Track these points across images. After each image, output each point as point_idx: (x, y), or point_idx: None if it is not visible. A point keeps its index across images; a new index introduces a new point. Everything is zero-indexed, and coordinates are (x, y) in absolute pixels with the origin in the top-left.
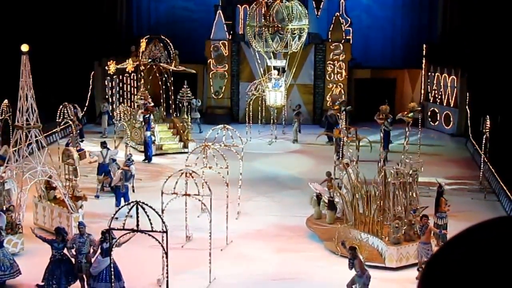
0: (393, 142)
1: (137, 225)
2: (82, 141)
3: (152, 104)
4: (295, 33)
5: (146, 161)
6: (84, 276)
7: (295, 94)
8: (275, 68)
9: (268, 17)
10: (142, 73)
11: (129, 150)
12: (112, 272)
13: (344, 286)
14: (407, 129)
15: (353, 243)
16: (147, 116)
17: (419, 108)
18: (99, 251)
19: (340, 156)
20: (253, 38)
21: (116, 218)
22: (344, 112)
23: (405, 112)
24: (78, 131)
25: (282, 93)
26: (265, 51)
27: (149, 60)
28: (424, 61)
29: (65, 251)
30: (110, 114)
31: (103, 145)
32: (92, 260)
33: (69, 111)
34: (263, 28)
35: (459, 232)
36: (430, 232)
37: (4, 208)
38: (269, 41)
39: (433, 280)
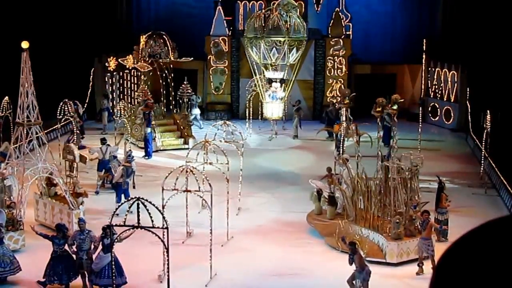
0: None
1: (138, 221)
2: (82, 137)
3: (152, 100)
4: (292, 45)
5: (146, 157)
6: (85, 272)
7: (295, 90)
8: (273, 80)
9: (265, 29)
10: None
11: (129, 147)
12: (113, 268)
13: (345, 281)
14: (393, 122)
15: (353, 239)
16: (147, 112)
17: (402, 100)
18: (100, 247)
19: (341, 151)
20: (251, 49)
21: (117, 215)
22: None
23: (389, 105)
24: (79, 128)
25: (280, 106)
26: (263, 63)
27: (149, 56)
28: (424, 56)
29: (66, 247)
30: (110, 110)
31: (103, 141)
32: (93, 256)
33: (69, 107)
34: (261, 40)
35: (470, 230)
36: (431, 228)
37: (5, 205)
38: (267, 53)
39: (446, 278)
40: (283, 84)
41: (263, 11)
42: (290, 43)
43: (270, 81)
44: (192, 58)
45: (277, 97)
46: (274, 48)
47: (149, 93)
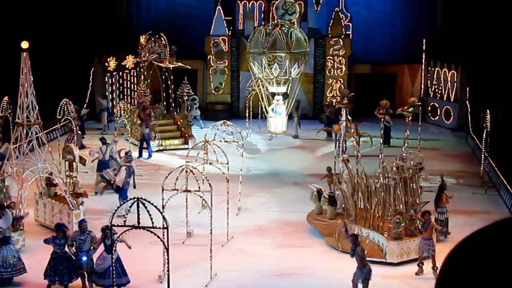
0: (393, 137)
1: (138, 221)
2: (83, 137)
3: (149, 101)
4: (295, 60)
5: (140, 157)
6: (85, 273)
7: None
8: (277, 94)
9: (266, 43)
10: (142, 69)
11: (129, 147)
12: (114, 269)
13: (345, 281)
14: (407, 124)
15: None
16: (147, 113)
17: (419, 103)
18: (102, 247)
19: (341, 151)
20: (253, 64)
21: (124, 215)
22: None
23: (405, 107)
24: (78, 128)
25: (283, 120)
26: (265, 78)
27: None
28: (424, 55)
29: (66, 248)
30: (110, 110)
31: (103, 141)
32: (94, 257)
33: (69, 108)
34: (262, 56)
35: (477, 230)
36: (432, 228)
37: (5, 205)
38: (268, 68)
39: (452, 277)
40: (286, 99)
41: (263, 27)
42: (292, 58)
43: (273, 95)
44: (190, 67)
45: (280, 112)
46: (275, 64)
47: (144, 93)
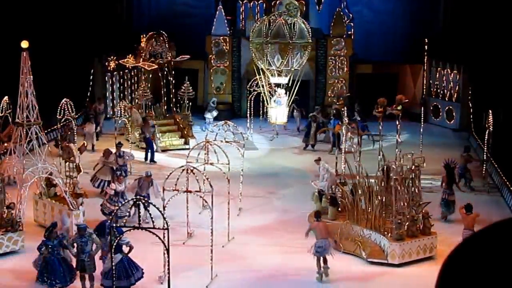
0: (386, 135)
1: (139, 222)
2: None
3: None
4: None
5: (147, 161)
6: (85, 275)
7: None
8: (277, 85)
9: (269, 34)
10: (142, 68)
11: (130, 148)
12: (114, 269)
13: (345, 281)
14: (397, 122)
15: (355, 239)
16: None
17: (407, 100)
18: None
19: (341, 150)
20: (256, 55)
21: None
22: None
23: (394, 106)
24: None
25: (284, 111)
26: (267, 68)
27: (150, 56)
28: (426, 56)
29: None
30: (108, 111)
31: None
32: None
33: (69, 107)
34: (265, 45)
35: (476, 232)
36: (474, 219)
37: (5, 206)
38: (270, 59)
39: (452, 278)
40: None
41: (266, 17)
42: (294, 48)
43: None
44: (188, 56)
45: (282, 103)
46: (277, 54)
47: (144, 93)
